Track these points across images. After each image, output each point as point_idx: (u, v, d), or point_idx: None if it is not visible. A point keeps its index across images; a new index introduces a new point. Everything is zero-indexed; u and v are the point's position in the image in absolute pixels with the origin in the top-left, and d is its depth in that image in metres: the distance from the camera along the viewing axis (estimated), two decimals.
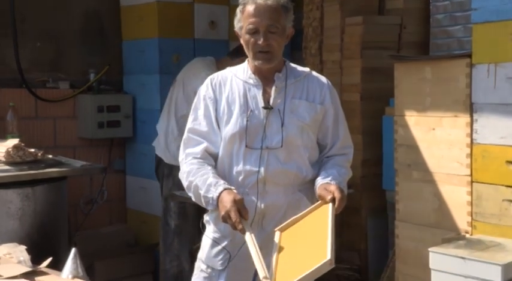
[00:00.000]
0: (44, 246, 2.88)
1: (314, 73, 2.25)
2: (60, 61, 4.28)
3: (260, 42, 2.04)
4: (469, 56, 2.64)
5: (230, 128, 2.11)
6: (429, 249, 2.44)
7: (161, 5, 4.12)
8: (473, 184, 2.65)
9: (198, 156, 2.14)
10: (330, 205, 1.95)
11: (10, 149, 3.06)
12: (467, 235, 2.66)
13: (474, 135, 2.63)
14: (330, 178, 2.06)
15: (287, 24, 2.10)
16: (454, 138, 2.72)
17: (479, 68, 2.59)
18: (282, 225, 1.98)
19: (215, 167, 2.15)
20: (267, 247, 1.95)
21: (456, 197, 2.73)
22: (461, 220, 2.71)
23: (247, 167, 2.10)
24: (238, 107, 2.12)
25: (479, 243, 2.48)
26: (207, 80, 2.21)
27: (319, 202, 2.01)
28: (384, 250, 3.52)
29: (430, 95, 2.83)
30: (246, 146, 2.09)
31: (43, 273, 1.98)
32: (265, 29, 2.04)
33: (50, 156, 3.34)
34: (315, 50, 3.88)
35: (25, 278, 1.90)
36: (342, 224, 3.78)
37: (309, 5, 3.90)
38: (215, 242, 2.18)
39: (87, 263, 3.20)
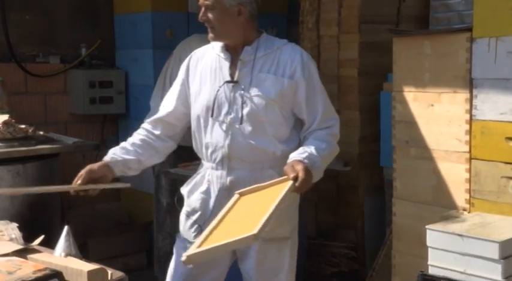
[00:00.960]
0: (36, 224, 2.85)
1: (289, 45, 2.20)
2: (50, 35, 4.22)
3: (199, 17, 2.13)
4: (470, 30, 2.60)
5: (199, 101, 2.18)
6: (426, 226, 2.42)
7: None
8: (472, 160, 2.62)
9: (146, 125, 2.29)
10: (290, 182, 1.92)
11: (0, 126, 3.01)
12: (465, 213, 2.64)
13: (473, 112, 2.60)
14: (304, 156, 2.02)
15: (230, 2, 2.09)
16: (453, 114, 2.69)
17: (479, 42, 2.55)
18: (243, 189, 1.98)
19: (168, 136, 2.26)
20: None
21: (454, 175, 2.71)
22: (460, 198, 2.69)
23: (214, 141, 2.15)
24: (209, 81, 2.17)
25: (477, 220, 2.46)
26: (189, 55, 2.27)
27: (286, 176, 1.99)
28: (381, 227, 3.52)
29: (429, 71, 2.79)
30: (212, 116, 2.14)
31: (35, 251, 1.96)
32: (202, 5, 2.12)
33: (41, 132, 3.31)
34: (311, 24, 3.84)
35: (17, 255, 1.87)
36: (338, 201, 3.78)
37: None
38: (187, 216, 2.24)
39: (80, 242, 3.17)
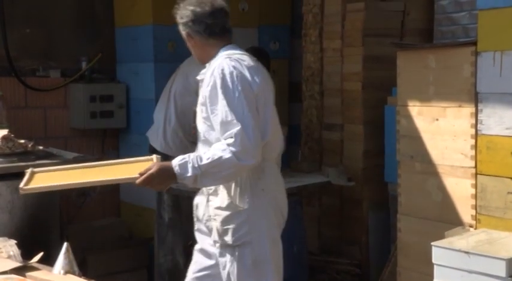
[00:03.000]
0: (34, 240, 2.81)
1: (214, 60, 2.33)
2: (50, 48, 4.20)
3: None
4: (474, 43, 2.59)
5: None
6: (432, 243, 2.40)
7: None
8: (478, 176, 2.61)
9: None
10: (136, 175, 2.16)
11: None
12: (471, 229, 2.62)
13: (479, 126, 2.59)
14: (179, 163, 2.16)
15: (183, 29, 2.39)
16: (458, 129, 2.68)
17: (484, 56, 2.54)
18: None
19: None
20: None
21: (460, 190, 2.69)
22: (465, 214, 2.67)
23: None
24: None
25: (484, 237, 2.44)
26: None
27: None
28: (386, 244, 3.48)
29: (433, 84, 2.78)
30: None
31: (34, 268, 1.94)
32: None
33: (41, 147, 3.27)
34: (315, 37, 3.84)
35: (15, 273, 1.86)
36: (342, 217, 3.75)
37: None
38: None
39: (80, 258, 3.13)
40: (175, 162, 2.14)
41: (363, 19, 3.59)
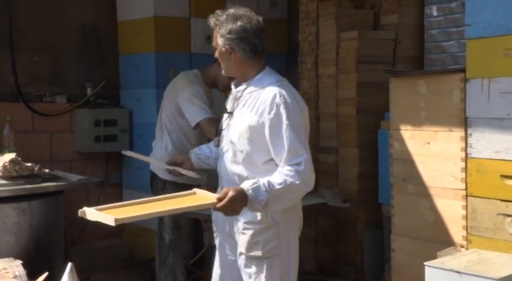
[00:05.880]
0: (39, 261, 2.86)
1: (272, 86, 2.32)
2: (57, 75, 4.29)
3: None
4: (463, 70, 2.65)
5: None
6: (425, 263, 2.43)
7: (158, 20, 4.13)
8: (468, 198, 2.64)
9: None
10: (214, 201, 2.15)
11: (7, 164, 3.05)
12: (463, 249, 2.65)
13: (469, 150, 2.63)
14: (253, 187, 2.17)
15: (223, 42, 2.34)
16: (449, 152, 2.73)
17: (473, 82, 2.60)
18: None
19: None
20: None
21: (451, 211, 2.72)
22: (457, 234, 2.70)
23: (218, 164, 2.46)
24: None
25: (475, 257, 2.47)
26: None
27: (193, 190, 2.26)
28: (380, 263, 3.51)
29: (424, 110, 2.83)
30: (218, 146, 2.48)
31: None
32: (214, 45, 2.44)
33: (47, 170, 3.33)
34: (310, 64, 3.90)
35: None
36: (337, 237, 3.78)
37: (305, 19, 3.93)
38: None
39: (83, 278, 3.16)
40: (247, 186, 2.17)
41: (356, 47, 3.66)
